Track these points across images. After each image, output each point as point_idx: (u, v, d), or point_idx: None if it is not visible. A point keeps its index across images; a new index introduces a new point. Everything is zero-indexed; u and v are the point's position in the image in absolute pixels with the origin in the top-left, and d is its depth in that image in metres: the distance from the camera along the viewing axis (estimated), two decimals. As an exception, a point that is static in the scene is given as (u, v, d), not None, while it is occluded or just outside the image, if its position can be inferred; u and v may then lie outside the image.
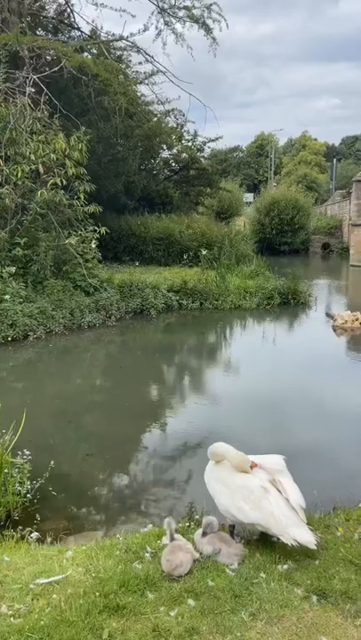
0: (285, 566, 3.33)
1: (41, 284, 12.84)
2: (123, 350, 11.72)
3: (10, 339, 10.92)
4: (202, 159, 24.13)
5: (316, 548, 3.35)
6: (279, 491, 3.56)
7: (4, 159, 12.69)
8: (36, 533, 4.21)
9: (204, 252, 17.98)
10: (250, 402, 8.08)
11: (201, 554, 3.47)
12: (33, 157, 12.70)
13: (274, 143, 74.25)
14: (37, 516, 4.52)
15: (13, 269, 12.27)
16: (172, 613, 2.92)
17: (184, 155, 23.29)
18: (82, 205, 13.69)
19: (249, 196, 57.47)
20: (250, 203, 47.69)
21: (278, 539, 3.44)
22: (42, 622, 2.87)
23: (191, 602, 3.01)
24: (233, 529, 3.69)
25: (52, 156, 13.00)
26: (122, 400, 8.18)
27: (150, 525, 4.04)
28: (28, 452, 5.10)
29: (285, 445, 6.03)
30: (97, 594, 3.08)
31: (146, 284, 14.51)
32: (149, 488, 5.44)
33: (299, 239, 32.18)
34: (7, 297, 11.53)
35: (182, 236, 19.81)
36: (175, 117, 22.01)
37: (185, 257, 19.03)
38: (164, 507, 4.95)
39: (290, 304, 15.54)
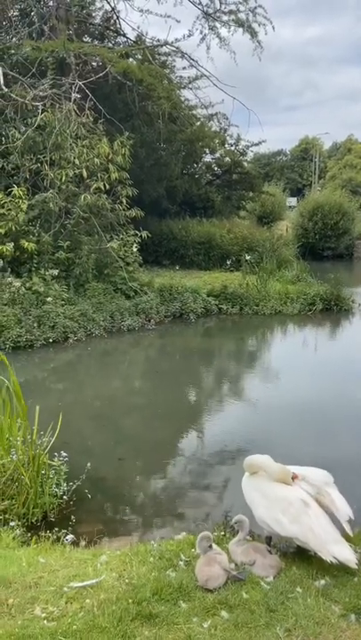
0: (323, 582, 3.23)
1: (83, 286, 13.01)
2: (161, 354, 11.75)
3: (51, 340, 11.08)
4: (245, 163, 23.98)
5: (356, 567, 3.24)
6: (321, 505, 3.49)
7: (49, 164, 12.92)
8: (71, 536, 4.23)
9: (248, 258, 17.82)
10: (290, 410, 7.93)
11: (236, 564, 3.42)
12: (77, 162, 12.90)
13: (318, 147, 73.17)
14: (73, 517, 4.54)
15: (56, 272, 12.46)
16: (206, 625, 2.88)
17: (227, 159, 23.20)
18: (124, 209, 13.84)
19: (292, 201, 56.65)
20: (293, 207, 47.11)
21: (316, 553, 3.35)
22: (74, 627, 2.87)
23: (225, 614, 2.96)
24: (270, 540, 3.62)
25: (96, 160, 13.19)
26: (159, 404, 8.17)
27: (184, 533, 4.00)
28: (65, 454, 5.13)
29: (326, 456, 5.91)
30: (130, 600, 3.06)
31: (185, 288, 14.49)
32: (185, 494, 5.41)
33: (343, 244, 31.51)
34: (49, 299, 11.71)
35: (223, 240, 19.74)
36: (218, 121, 21.98)
37: (228, 262, 18.93)
38: (199, 513, 4.90)
39: (332, 310, 15.22)
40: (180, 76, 19.56)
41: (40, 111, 12.76)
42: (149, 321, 13.20)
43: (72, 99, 13.10)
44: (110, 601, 3.08)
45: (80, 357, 10.87)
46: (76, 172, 12.95)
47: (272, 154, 76.05)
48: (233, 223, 21.70)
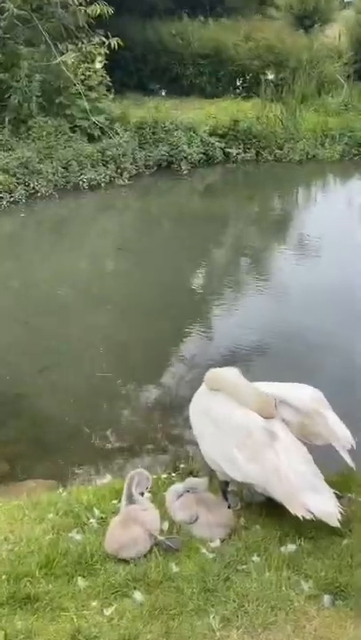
0: (293, 547, 3.06)
1: (24, 123, 12.37)
2: (140, 222, 11.42)
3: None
4: None
5: (338, 524, 3.04)
6: (309, 434, 3.37)
7: None
8: None
9: (270, 77, 16.80)
10: (328, 298, 7.73)
11: (172, 522, 3.26)
12: None
13: None
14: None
15: (-18, 102, 11.83)
16: (107, 612, 2.72)
17: None
18: (81, 4, 12.77)
19: (352, -6, 53.03)
20: (350, 2, 44.13)
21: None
22: None
23: (138, 596, 2.79)
24: (226, 487, 3.45)
25: None
26: (135, 294, 8.05)
27: (109, 477, 3.91)
28: None
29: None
30: (4, 577, 2.91)
31: (177, 124, 13.78)
32: (134, 420, 5.36)
33: None
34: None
35: (238, 51, 18.47)
36: None
37: (238, 82, 17.91)
38: (150, 450, 4.82)
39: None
40: None
41: None
42: (122, 174, 12.66)
43: None
44: (-21, 577, 2.93)
45: (21, 227, 10.65)
46: None
47: None
48: (254, 26, 20.15)
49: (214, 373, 3.58)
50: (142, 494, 3.28)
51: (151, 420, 5.29)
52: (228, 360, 6.05)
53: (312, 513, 3.02)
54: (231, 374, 3.53)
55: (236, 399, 3.37)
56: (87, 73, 13.22)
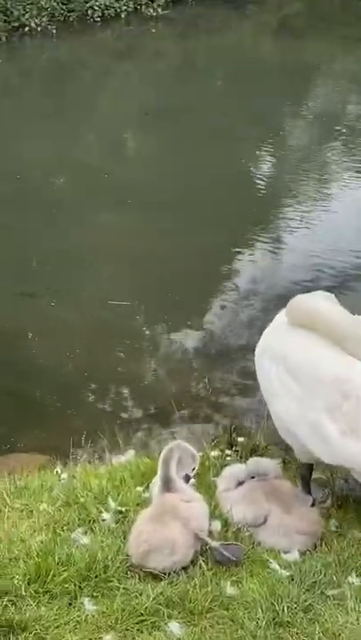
0: None
1: None
2: (177, 75, 11.32)
3: None
4: None
5: None
6: None
7: None
8: None
9: None
10: None
11: (228, 523, 3.28)
12: None
13: None
14: None
15: None
16: (129, 654, 2.75)
17: None
18: None
19: None
20: None
21: None
22: None
23: (175, 628, 2.81)
24: (310, 472, 3.49)
25: None
26: (168, 185, 8.16)
27: (132, 451, 3.93)
28: None
29: None
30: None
31: None
32: (171, 374, 5.40)
33: None
34: None
35: None
36: None
37: None
38: (190, 415, 4.86)
39: None
40: None
41: None
42: (153, 0, 12.65)
43: None
44: None
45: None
46: None
47: None
48: None
49: (301, 301, 3.60)
50: (188, 479, 3.33)
51: (192, 371, 5.38)
52: (308, 288, 6.07)
53: None
54: (328, 303, 3.56)
55: (333, 341, 3.35)
56: None
